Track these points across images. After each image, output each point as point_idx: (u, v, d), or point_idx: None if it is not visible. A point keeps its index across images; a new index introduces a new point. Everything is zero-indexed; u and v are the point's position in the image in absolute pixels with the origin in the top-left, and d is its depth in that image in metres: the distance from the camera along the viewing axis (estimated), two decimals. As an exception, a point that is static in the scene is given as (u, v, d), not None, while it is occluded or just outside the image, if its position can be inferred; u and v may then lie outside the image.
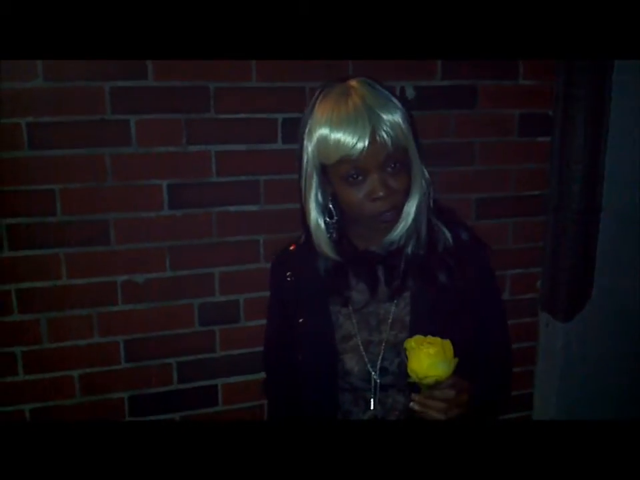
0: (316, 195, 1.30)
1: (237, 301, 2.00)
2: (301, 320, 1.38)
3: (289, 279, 1.42)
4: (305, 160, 1.27)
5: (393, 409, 1.33)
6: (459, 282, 1.31)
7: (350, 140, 1.17)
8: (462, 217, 1.46)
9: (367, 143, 1.16)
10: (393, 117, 1.19)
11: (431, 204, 1.33)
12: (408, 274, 1.32)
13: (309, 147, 1.25)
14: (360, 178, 1.21)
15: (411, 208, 1.27)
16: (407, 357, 1.18)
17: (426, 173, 1.31)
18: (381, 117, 1.18)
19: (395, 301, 1.33)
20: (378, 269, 1.34)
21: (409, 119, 1.24)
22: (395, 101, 1.23)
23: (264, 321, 2.01)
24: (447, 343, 1.17)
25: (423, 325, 1.26)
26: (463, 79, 2.05)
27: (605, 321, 2.30)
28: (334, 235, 1.33)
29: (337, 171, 1.23)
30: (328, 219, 1.32)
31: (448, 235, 1.32)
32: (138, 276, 1.89)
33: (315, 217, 1.31)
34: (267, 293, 1.99)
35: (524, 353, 2.32)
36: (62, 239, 1.81)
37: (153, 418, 1.98)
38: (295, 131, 1.89)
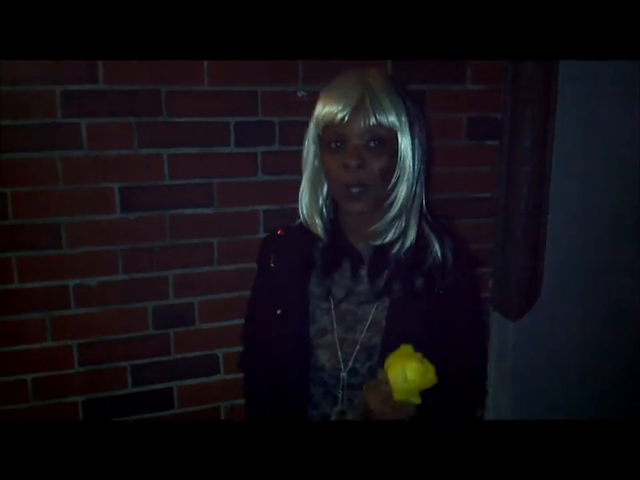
0: (311, 169, 1.34)
1: (191, 303, 2.01)
2: (278, 311, 1.39)
3: (272, 264, 1.42)
4: (306, 136, 1.33)
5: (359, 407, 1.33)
6: (441, 296, 1.31)
7: (336, 105, 1.22)
8: (455, 227, 1.44)
9: (351, 108, 1.21)
10: (387, 97, 1.23)
11: (424, 209, 1.34)
12: (391, 279, 1.32)
13: (311, 122, 1.31)
14: (341, 146, 1.24)
15: (396, 200, 1.28)
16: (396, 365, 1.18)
17: (421, 176, 1.31)
18: (373, 92, 1.22)
19: (376, 304, 1.34)
20: (362, 268, 1.35)
21: (411, 112, 1.27)
22: (401, 91, 1.27)
23: (219, 323, 2.04)
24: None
25: (397, 332, 1.29)
26: (411, 84, 2.08)
27: (555, 319, 2.36)
28: (330, 215, 1.37)
29: (324, 139, 1.28)
30: (322, 199, 1.37)
31: (437, 248, 1.32)
32: (90, 279, 1.89)
33: (307, 188, 1.35)
34: (222, 296, 2.03)
35: (476, 352, 2.37)
36: (13, 242, 1.80)
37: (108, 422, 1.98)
38: (247, 135, 1.95)
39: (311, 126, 1.31)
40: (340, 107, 1.22)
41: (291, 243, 1.41)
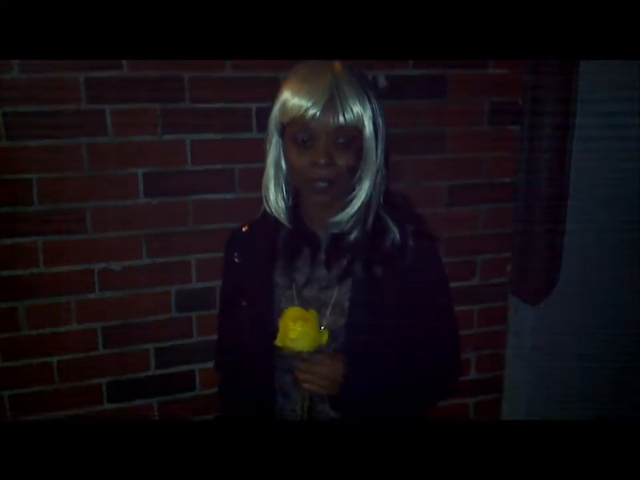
0: (275, 156, 1.34)
1: (213, 287, 2.02)
2: (244, 303, 1.40)
3: (236, 259, 1.44)
4: (269, 123, 1.33)
5: None
6: (402, 277, 1.33)
7: (306, 101, 1.21)
8: (414, 208, 1.44)
9: (321, 106, 1.21)
10: (355, 95, 1.23)
11: (381, 199, 1.35)
12: (350, 262, 1.34)
13: (274, 108, 1.30)
14: (308, 142, 1.24)
15: (360, 192, 1.30)
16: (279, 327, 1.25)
17: (382, 168, 1.32)
18: (343, 90, 1.22)
19: (337, 287, 1.35)
20: (321, 253, 1.36)
21: (374, 108, 1.27)
22: (366, 87, 1.27)
23: (240, 307, 2.07)
24: (314, 317, 1.25)
25: (361, 313, 1.31)
26: (434, 69, 2.08)
27: (573, 305, 2.37)
28: (290, 203, 1.37)
29: (290, 132, 1.27)
30: (284, 186, 1.37)
31: (395, 230, 1.34)
32: (115, 264, 1.92)
33: (272, 176, 1.35)
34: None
35: (494, 336, 2.39)
36: (39, 227, 1.83)
37: (131, 403, 2.03)
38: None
39: (275, 113, 1.31)
40: (310, 104, 1.22)
41: (255, 236, 1.42)
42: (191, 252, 1.99)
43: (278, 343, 1.24)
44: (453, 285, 1.48)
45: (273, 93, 1.92)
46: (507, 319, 2.41)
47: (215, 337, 2.03)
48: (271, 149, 1.35)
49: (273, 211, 1.37)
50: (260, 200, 1.96)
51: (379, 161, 1.30)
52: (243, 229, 1.47)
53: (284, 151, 1.33)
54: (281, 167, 1.36)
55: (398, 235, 1.33)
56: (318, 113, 1.21)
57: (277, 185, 1.36)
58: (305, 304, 1.34)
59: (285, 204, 1.37)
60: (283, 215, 1.37)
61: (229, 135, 1.94)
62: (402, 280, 1.32)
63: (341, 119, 1.22)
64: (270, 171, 1.36)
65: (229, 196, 1.98)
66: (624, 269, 2.40)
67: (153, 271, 1.96)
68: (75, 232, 1.86)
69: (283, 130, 1.30)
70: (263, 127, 1.91)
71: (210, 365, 2.04)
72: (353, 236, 1.34)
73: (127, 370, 2.00)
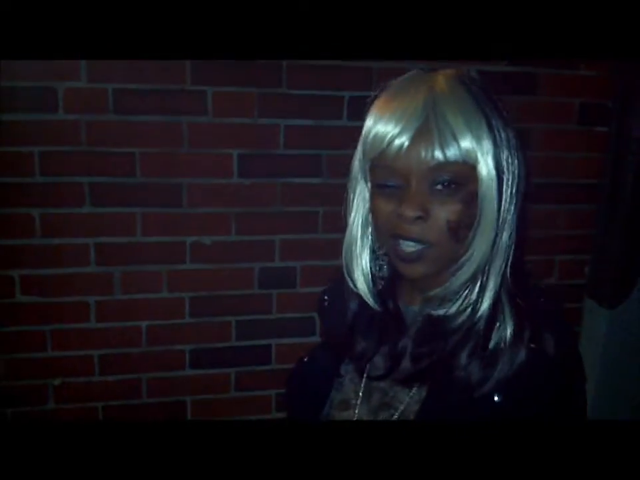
0: (360, 209, 1.02)
1: (294, 267, 2.11)
2: (305, 359, 1.13)
3: (325, 303, 1.17)
4: (352, 164, 1.02)
5: None
6: (499, 400, 0.89)
7: (390, 130, 0.88)
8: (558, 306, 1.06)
9: (409, 137, 0.87)
10: (463, 121, 0.87)
11: (508, 274, 0.94)
12: (437, 361, 0.94)
13: (358, 148, 0.99)
14: (395, 186, 0.91)
15: (471, 259, 0.92)
16: None
17: (512, 225, 0.93)
18: (442, 111, 0.87)
19: (412, 390, 0.98)
20: (407, 338, 1.00)
21: (498, 138, 0.91)
22: (485, 108, 0.91)
23: (317, 288, 2.12)
24: None
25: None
26: (526, 66, 2.10)
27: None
28: (384, 270, 1.04)
29: (374, 175, 0.95)
30: (377, 249, 1.04)
31: (508, 330, 0.91)
32: (206, 238, 2.02)
33: (357, 238, 1.02)
34: (322, 262, 2.13)
35: (567, 337, 2.39)
36: (139, 198, 1.95)
37: (210, 371, 2.13)
38: (360, 109, 2.01)
39: (358, 155, 0.99)
40: (394, 133, 0.88)
41: (341, 288, 1.09)
42: (275, 232, 2.07)
43: None
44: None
45: (364, 82, 2.01)
46: (582, 321, 2.40)
47: (292, 314, 2.14)
48: (355, 199, 1.02)
49: (357, 288, 1.03)
50: (345, 187, 2.05)
51: (503, 214, 0.91)
52: None
53: (370, 200, 0.98)
54: (369, 225, 1.01)
55: (508, 336, 0.90)
56: (406, 144, 0.88)
57: (360, 253, 1.02)
58: (367, 394, 1.03)
59: (372, 279, 1.03)
60: (369, 295, 1.03)
61: (321, 121, 2.01)
62: (496, 403, 0.88)
63: (438, 154, 0.87)
64: (354, 231, 1.02)
65: (315, 181, 2.06)
66: None
67: (240, 248, 2.05)
68: (171, 205, 1.97)
69: (366, 176, 0.99)
70: (353, 115, 2.01)
71: (285, 341, 2.16)
72: (457, 322, 0.93)
73: (209, 339, 2.11)
